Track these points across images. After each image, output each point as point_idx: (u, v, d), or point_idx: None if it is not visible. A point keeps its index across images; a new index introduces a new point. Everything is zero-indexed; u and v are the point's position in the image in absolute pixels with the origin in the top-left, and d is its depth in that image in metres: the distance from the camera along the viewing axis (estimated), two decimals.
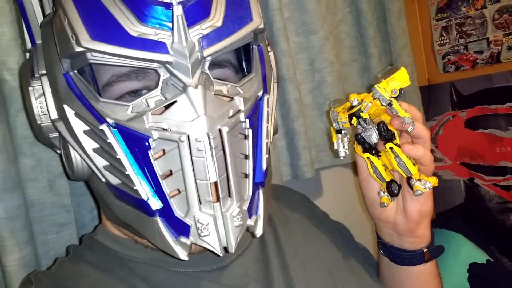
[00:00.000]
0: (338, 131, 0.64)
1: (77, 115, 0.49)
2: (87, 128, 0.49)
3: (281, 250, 0.64)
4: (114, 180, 0.49)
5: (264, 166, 0.52)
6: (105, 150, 0.47)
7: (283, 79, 1.04)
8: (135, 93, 0.50)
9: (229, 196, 0.46)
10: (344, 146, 0.64)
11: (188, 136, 0.44)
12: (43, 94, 0.53)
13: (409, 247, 0.65)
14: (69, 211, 0.74)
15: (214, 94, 0.47)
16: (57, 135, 0.55)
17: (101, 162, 0.49)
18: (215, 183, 0.45)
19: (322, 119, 1.15)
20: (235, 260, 0.60)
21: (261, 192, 0.51)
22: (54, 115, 0.53)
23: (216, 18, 0.47)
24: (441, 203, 1.59)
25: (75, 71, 0.49)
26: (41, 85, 0.53)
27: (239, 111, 0.49)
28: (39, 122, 0.54)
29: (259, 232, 0.50)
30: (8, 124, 0.68)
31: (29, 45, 0.57)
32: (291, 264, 0.62)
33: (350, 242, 0.78)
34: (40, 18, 0.57)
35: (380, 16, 1.33)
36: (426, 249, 0.65)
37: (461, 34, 1.50)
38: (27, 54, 0.59)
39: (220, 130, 0.45)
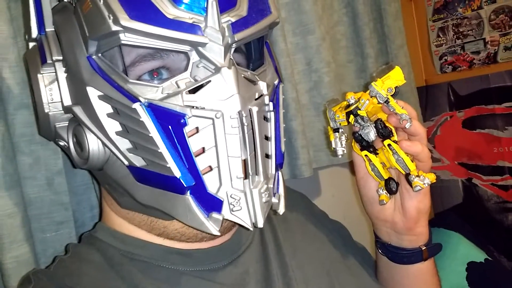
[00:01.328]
0: (336, 130, 0.64)
1: (102, 97, 0.49)
2: (110, 110, 0.50)
3: (280, 250, 0.64)
4: (139, 162, 0.50)
5: (283, 148, 0.55)
6: (134, 130, 0.48)
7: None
8: (155, 74, 0.51)
9: (256, 174, 0.49)
10: (341, 145, 0.64)
11: (223, 114, 0.46)
12: (56, 80, 0.53)
13: (408, 246, 0.66)
14: (67, 209, 0.74)
15: (243, 77, 0.49)
16: (65, 124, 0.55)
17: (124, 144, 0.50)
18: (245, 160, 0.47)
19: (319, 119, 1.15)
20: (236, 259, 0.60)
21: (280, 173, 0.55)
22: (67, 101, 0.53)
23: (242, 8, 0.50)
24: (439, 203, 1.59)
25: (99, 54, 0.50)
26: (55, 71, 0.53)
27: (262, 95, 0.51)
28: (46, 111, 0.54)
29: (282, 209, 0.53)
30: (6, 122, 0.68)
31: (34, 34, 0.57)
32: (290, 264, 0.62)
33: (349, 242, 0.78)
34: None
35: (376, 17, 1.34)
36: (425, 247, 0.65)
37: (458, 35, 1.51)
38: (30, 44, 0.59)
39: (250, 110, 0.47)
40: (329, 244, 0.71)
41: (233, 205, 0.47)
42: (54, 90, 0.54)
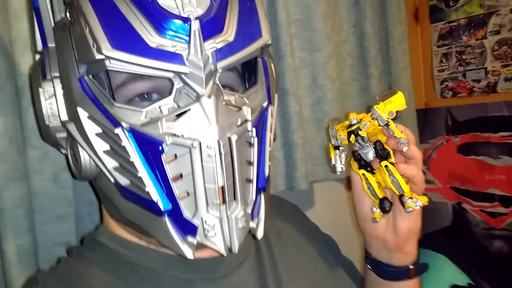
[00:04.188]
0: (336, 147, 0.67)
1: (90, 117, 0.51)
2: (99, 130, 0.51)
3: (274, 263, 0.65)
4: (124, 181, 0.51)
5: (267, 172, 0.55)
6: (118, 152, 0.50)
7: (286, 92, 1.07)
8: (145, 97, 0.53)
9: (234, 199, 0.49)
10: (341, 162, 0.67)
11: (200, 143, 0.46)
12: (54, 95, 0.55)
13: (396, 263, 0.68)
14: (70, 204, 0.76)
15: (225, 104, 0.50)
16: (64, 135, 0.57)
17: (111, 163, 0.51)
18: (222, 187, 0.47)
19: (320, 134, 1.18)
20: (235, 271, 0.61)
21: (262, 196, 0.55)
22: (64, 116, 0.55)
23: (229, 33, 0.50)
24: (428, 224, 1.61)
25: (90, 76, 0.51)
26: (53, 87, 0.55)
27: (246, 120, 0.51)
28: (47, 123, 0.56)
29: (260, 234, 0.53)
30: (20, 116, 0.70)
31: (39, 47, 0.59)
32: (283, 277, 0.64)
33: (337, 256, 0.80)
34: (51, 22, 0.58)
35: (382, 38, 1.36)
36: (412, 266, 0.68)
37: (461, 62, 1.53)
38: (36, 56, 0.61)
39: (229, 138, 0.47)
40: (319, 258, 0.73)
41: (208, 231, 0.48)
42: (53, 104, 0.55)
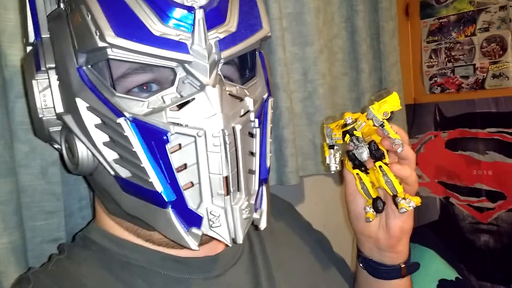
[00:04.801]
0: (331, 147, 0.67)
1: (89, 108, 0.50)
2: (98, 121, 0.50)
3: (267, 263, 0.65)
4: (125, 173, 0.50)
5: (268, 163, 0.55)
6: (119, 143, 0.48)
7: (276, 87, 1.06)
8: (145, 88, 0.52)
9: (238, 190, 0.49)
10: (335, 161, 0.67)
11: (205, 132, 0.46)
12: (49, 87, 0.53)
13: (388, 262, 0.68)
14: (58, 199, 0.74)
15: (228, 94, 0.50)
16: (58, 129, 0.55)
17: (111, 155, 0.50)
18: (226, 177, 0.47)
19: (310, 129, 1.18)
20: (229, 270, 0.61)
21: (264, 188, 0.54)
22: (60, 108, 0.53)
23: (231, 24, 0.49)
24: (416, 218, 1.62)
25: (89, 66, 0.50)
26: (48, 78, 0.53)
27: (248, 111, 0.51)
28: (40, 116, 0.54)
29: (263, 225, 0.53)
30: (7, 110, 0.68)
31: (31, 38, 0.57)
32: (276, 277, 0.64)
33: (330, 254, 0.81)
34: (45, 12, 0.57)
35: (374, 33, 1.37)
36: (404, 265, 0.68)
37: (449, 58, 1.55)
38: (28, 48, 0.59)
39: (233, 128, 0.47)
40: (311, 256, 0.73)
41: (213, 221, 0.48)
42: (47, 96, 0.54)
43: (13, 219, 0.67)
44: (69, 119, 0.52)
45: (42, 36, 0.56)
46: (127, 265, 0.57)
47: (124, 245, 0.59)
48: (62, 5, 0.54)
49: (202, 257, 0.59)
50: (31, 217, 0.72)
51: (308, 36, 1.13)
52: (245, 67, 0.59)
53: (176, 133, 0.46)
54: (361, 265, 0.72)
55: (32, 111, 0.55)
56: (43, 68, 0.54)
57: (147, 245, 0.58)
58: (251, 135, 0.53)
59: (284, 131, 1.07)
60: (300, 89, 1.16)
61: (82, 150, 0.52)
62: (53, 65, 0.53)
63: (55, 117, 0.54)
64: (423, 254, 1.34)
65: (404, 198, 0.61)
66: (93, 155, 0.52)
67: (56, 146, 0.58)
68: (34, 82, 0.54)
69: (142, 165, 0.47)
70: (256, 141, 0.53)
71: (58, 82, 0.53)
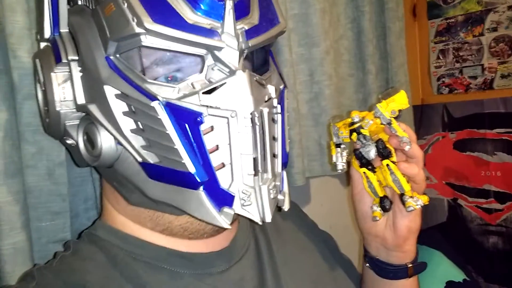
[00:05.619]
0: (338, 145, 0.67)
1: (119, 96, 0.51)
2: (126, 109, 0.51)
3: (273, 260, 0.66)
4: (153, 159, 0.51)
5: (287, 149, 0.58)
6: (150, 127, 0.50)
7: None
8: (170, 78, 0.53)
9: (265, 171, 0.51)
10: (342, 160, 0.67)
11: (237, 113, 0.49)
12: (70, 79, 0.55)
13: (395, 262, 0.68)
14: (64, 200, 0.75)
15: (255, 80, 0.52)
16: (75, 123, 0.57)
17: (138, 142, 0.52)
18: (255, 158, 0.49)
19: (316, 129, 1.17)
20: (234, 265, 0.61)
21: (284, 172, 0.57)
22: (81, 100, 0.54)
23: (254, 17, 0.53)
24: (423, 220, 1.61)
25: (117, 55, 0.52)
26: (69, 70, 0.54)
27: (271, 98, 0.55)
28: (58, 109, 0.55)
29: (287, 206, 0.55)
30: (14, 111, 0.68)
31: (47, 34, 0.58)
32: (281, 273, 0.64)
33: (336, 254, 0.80)
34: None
35: (380, 34, 1.36)
36: (411, 265, 0.68)
37: (457, 58, 1.54)
38: (41, 44, 0.60)
39: (261, 111, 0.50)
40: (317, 255, 0.73)
41: (244, 200, 0.50)
42: (66, 89, 0.55)
43: (20, 219, 0.67)
44: (94, 108, 0.53)
45: (61, 30, 0.58)
46: (132, 260, 0.58)
47: (129, 241, 0.59)
48: (80, 2, 0.57)
49: (207, 252, 0.60)
50: (37, 218, 0.73)
51: (314, 37, 1.13)
52: (260, 61, 0.60)
53: (209, 115, 0.49)
54: (367, 264, 0.72)
55: (50, 104, 0.56)
56: (64, 61, 0.55)
57: (155, 240, 0.59)
58: (273, 120, 0.55)
59: (290, 132, 1.07)
60: (306, 90, 1.16)
61: (107, 140, 0.53)
62: (76, 57, 0.55)
63: (72, 110, 0.56)
64: (431, 256, 1.34)
65: (411, 197, 0.60)
66: (119, 143, 0.53)
67: (70, 141, 0.58)
68: (53, 75, 0.55)
69: (175, 147, 0.49)
70: (278, 127, 0.55)
71: (81, 74, 0.54)
